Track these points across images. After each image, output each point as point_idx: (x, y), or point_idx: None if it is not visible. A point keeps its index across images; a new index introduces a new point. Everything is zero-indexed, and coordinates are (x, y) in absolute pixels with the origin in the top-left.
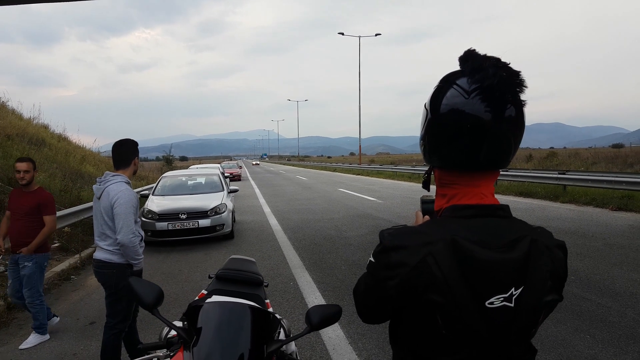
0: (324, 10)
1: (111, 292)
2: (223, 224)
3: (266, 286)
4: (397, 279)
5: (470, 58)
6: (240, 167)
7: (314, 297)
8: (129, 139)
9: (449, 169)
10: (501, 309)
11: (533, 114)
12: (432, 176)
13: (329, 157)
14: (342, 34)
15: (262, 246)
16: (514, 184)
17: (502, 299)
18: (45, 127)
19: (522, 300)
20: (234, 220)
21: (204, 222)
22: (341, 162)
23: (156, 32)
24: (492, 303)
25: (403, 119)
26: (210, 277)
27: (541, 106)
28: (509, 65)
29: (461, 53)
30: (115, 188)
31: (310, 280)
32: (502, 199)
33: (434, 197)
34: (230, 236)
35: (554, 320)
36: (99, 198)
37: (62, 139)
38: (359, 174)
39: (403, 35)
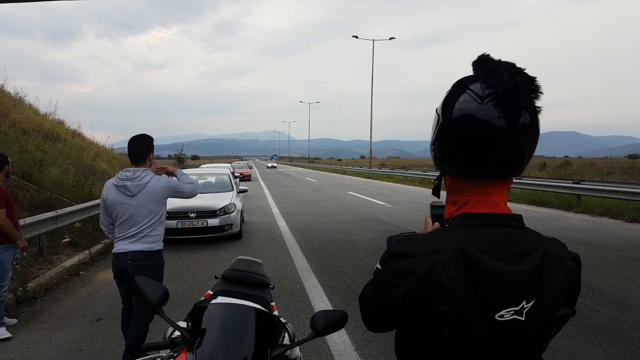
0: (338, 13)
1: None
2: (231, 224)
3: (272, 288)
4: (405, 287)
5: (484, 63)
6: (251, 168)
7: (320, 301)
8: (145, 135)
9: (460, 175)
10: (511, 323)
11: (548, 122)
12: (443, 182)
13: (339, 160)
14: (356, 37)
15: (269, 247)
16: (526, 192)
17: (512, 312)
18: (61, 123)
19: (533, 314)
20: (242, 220)
21: (212, 222)
22: (351, 165)
23: (172, 31)
24: (502, 316)
25: (415, 123)
26: (216, 278)
27: (556, 114)
28: (524, 71)
29: (475, 58)
30: (159, 178)
31: (317, 283)
32: (514, 207)
33: (445, 203)
34: (238, 236)
35: (565, 333)
36: (136, 194)
37: (76, 134)
38: (369, 178)
39: (417, 39)
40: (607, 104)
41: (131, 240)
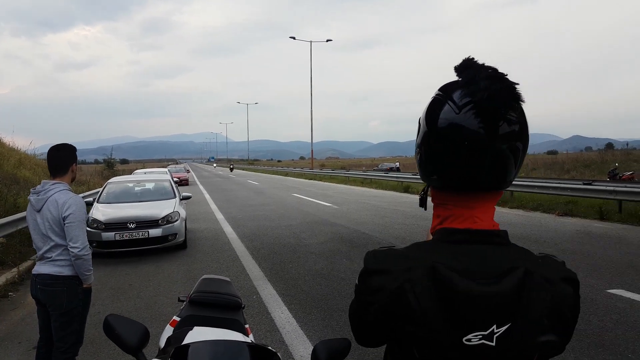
0: (275, 13)
1: (61, 312)
2: (176, 234)
3: (244, 308)
4: (377, 305)
5: (466, 68)
6: (188, 171)
7: (280, 312)
8: (67, 144)
9: (441, 188)
10: (480, 348)
11: None
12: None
13: (278, 161)
14: (294, 38)
15: (218, 257)
16: None
17: (480, 336)
18: None
19: (507, 339)
20: (185, 228)
21: (154, 232)
22: (292, 166)
23: (97, 29)
24: (469, 340)
25: (352, 124)
26: (180, 300)
27: None
28: (506, 77)
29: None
30: (62, 196)
31: (274, 292)
32: None
33: None
34: (182, 246)
35: None
36: (39, 210)
37: None
38: (311, 179)
39: (354, 42)
40: (528, 104)
41: (42, 261)
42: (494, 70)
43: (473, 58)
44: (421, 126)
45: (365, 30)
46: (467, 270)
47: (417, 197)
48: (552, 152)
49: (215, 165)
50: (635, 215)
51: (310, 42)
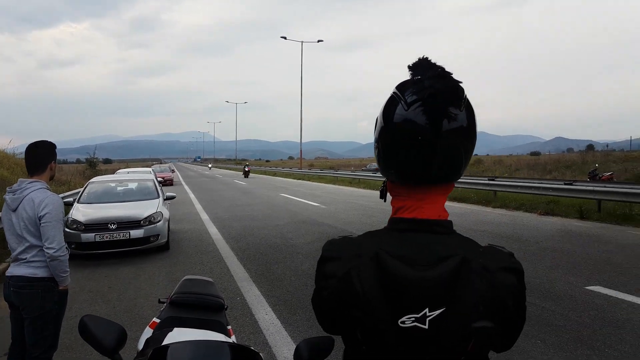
0: (265, 12)
1: (35, 315)
2: (158, 235)
3: (226, 309)
4: (329, 290)
5: (417, 67)
6: (173, 171)
7: (265, 313)
8: (45, 141)
9: (394, 181)
10: (413, 330)
11: None
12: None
13: (267, 161)
14: (285, 38)
15: (202, 258)
16: None
17: (413, 319)
18: None
19: (441, 323)
20: (168, 229)
21: (136, 233)
22: (281, 166)
23: (83, 26)
24: (403, 322)
25: (341, 124)
26: (161, 302)
27: None
28: (451, 76)
29: (401, 60)
30: (39, 195)
31: (259, 293)
32: None
33: None
34: (165, 247)
35: None
36: (15, 210)
37: None
38: (300, 179)
39: (347, 42)
40: (510, 106)
41: (16, 263)
42: (442, 69)
43: (427, 57)
44: (378, 122)
45: (361, 31)
46: (407, 257)
47: None
48: (535, 153)
49: (210, 166)
50: (613, 215)
51: (301, 42)
